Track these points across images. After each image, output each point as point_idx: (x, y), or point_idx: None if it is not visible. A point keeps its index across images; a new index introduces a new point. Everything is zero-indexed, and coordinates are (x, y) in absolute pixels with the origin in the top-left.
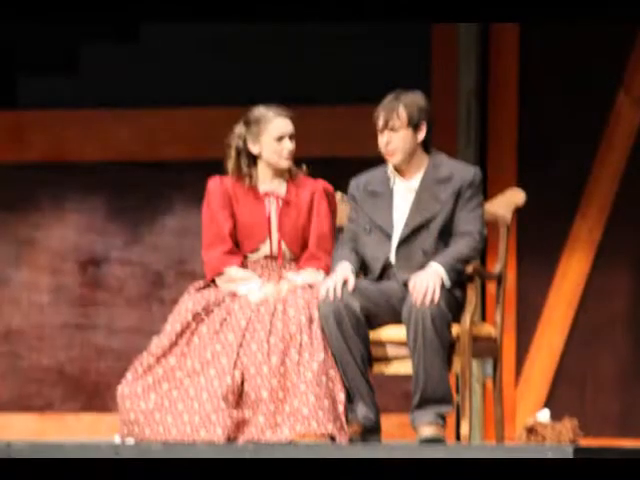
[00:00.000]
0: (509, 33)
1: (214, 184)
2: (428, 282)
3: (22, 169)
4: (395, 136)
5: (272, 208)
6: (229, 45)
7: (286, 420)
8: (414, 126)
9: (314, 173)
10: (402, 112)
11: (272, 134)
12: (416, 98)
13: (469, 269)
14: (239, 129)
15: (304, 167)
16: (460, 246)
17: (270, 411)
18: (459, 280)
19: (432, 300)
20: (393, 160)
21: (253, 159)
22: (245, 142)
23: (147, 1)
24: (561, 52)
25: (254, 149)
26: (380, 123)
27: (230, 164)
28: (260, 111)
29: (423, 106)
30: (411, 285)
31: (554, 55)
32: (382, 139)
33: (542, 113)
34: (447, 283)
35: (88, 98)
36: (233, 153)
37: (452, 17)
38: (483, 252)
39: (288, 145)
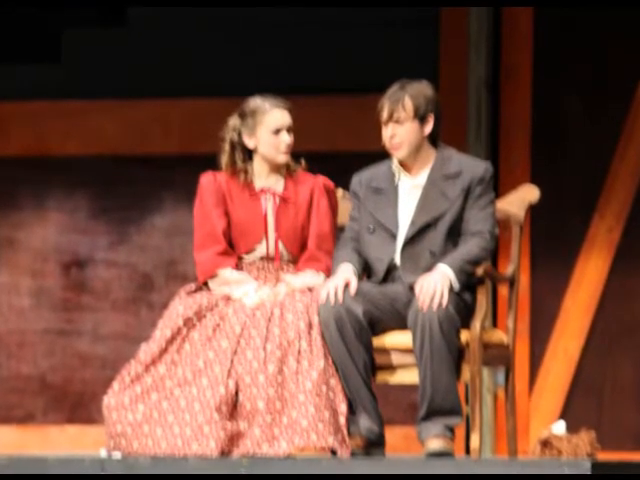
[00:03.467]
0: (523, 18)
1: (207, 180)
2: (435, 285)
3: (1, 164)
4: (400, 129)
5: (269, 206)
6: (223, 32)
7: (284, 432)
8: (420, 118)
9: (313, 168)
10: (408, 103)
11: (269, 127)
12: (423, 88)
13: (479, 271)
14: (234, 121)
15: (303, 162)
16: (470, 246)
17: (267, 423)
18: (469, 283)
19: (440, 304)
20: (398, 154)
21: (248, 153)
22: (240, 135)
23: None
24: (578, 39)
25: (250, 143)
26: (384, 115)
27: (224, 159)
28: (256, 102)
29: (430, 97)
30: (417, 288)
31: (570, 42)
32: (386, 132)
33: (557, 105)
34: (456, 286)
35: (72, 89)
36: (227, 147)
37: (461, 0)
38: (494, 253)
39: (286, 138)
